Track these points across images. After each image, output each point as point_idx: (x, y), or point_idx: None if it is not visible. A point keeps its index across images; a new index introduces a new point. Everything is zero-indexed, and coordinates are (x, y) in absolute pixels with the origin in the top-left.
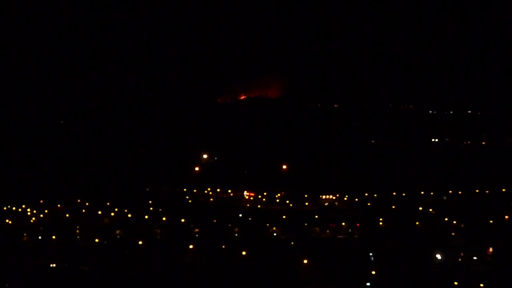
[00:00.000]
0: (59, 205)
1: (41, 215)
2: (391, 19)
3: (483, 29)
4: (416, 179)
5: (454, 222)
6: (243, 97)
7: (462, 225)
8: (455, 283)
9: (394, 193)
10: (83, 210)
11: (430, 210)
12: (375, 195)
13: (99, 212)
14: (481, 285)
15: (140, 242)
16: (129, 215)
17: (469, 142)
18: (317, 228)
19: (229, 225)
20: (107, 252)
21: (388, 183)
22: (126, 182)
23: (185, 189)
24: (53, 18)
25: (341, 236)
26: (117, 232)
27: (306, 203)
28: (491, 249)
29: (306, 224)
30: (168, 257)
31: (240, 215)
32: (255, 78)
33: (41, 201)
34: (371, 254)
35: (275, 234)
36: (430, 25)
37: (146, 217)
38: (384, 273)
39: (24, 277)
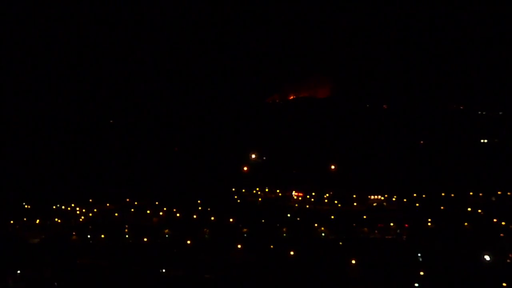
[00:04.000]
0: (108, 204)
1: (90, 214)
2: (441, 21)
3: None
4: (465, 180)
5: (503, 223)
6: (292, 97)
7: (510, 226)
8: (504, 284)
9: (443, 194)
10: (132, 210)
11: (479, 211)
12: (424, 196)
13: (148, 212)
14: None
15: (189, 242)
16: (178, 215)
17: None
18: (365, 229)
19: (278, 225)
20: (155, 251)
21: (437, 183)
22: (175, 181)
23: (233, 189)
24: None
25: (389, 237)
26: (166, 231)
27: (355, 203)
28: None
29: (354, 224)
30: (216, 257)
31: (289, 215)
32: (305, 79)
33: (90, 200)
34: (419, 254)
35: (323, 234)
36: (479, 28)
37: (195, 216)
38: (432, 273)
39: (73, 275)
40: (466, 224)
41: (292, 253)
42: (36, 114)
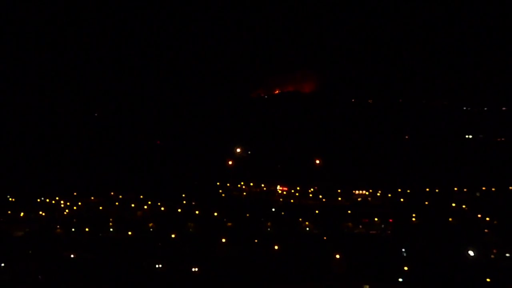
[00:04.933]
0: (92, 198)
1: (75, 208)
2: (424, 18)
3: None
4: (449, 175)
5: (487, 218)
6: (277, 91)
7: (495, 222)
8: (488, 279)
9: (427, 189)
10: (116, 203)
11: (463, 206)
12: (408, 191)
13: (133, 205)
14: None
15: (173, 235)
16: (162, 208)
17: (503, 138)
18: (350, 223)
19: (262, 219)
20: (140, 245)
21: (421, 179)
22: (160, 175)
23: (218, 183)
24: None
25: (373, 232)
26: (150, 225)
27: (339, 198)
28: None
29: (338, 219)
30: (200, 251)
31: (273, 209)
32: (290, 73)
33: (75, 194)
34: (403, 249)
35: (307, 228)
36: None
37: (179, 210)
38: (417, 269)
39: (57, 269)
40: (450, 219)
41: (276, 247)
42: (19, 108)
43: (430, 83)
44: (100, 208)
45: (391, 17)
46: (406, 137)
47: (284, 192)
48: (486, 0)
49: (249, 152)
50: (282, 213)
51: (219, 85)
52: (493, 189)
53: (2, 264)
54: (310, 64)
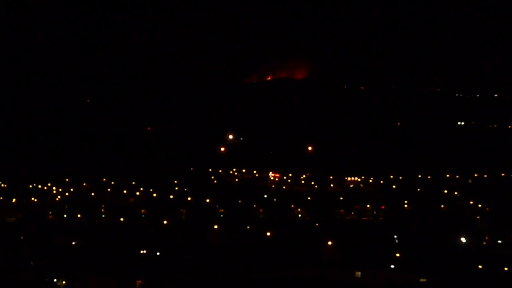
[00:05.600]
0: (84, 184)
1: (67, 194)
2: (418, 5)
3: None
4: (441, 162)
5: (479, 205)
6: (269, 78)
7: (487, 209)
8: (479, 266)
9: (420, 176)
10: (109, 189)
11: (455, 193)
12: (400, 178)
13: (125, 191)
14: (506, 268)
15: (165, 222)
16: (154, 195)
17: (495, 125)
18: (342, 210)
19: (254, 205)
20: (132, 231)
21: (413, 165)
22: (152, 161)
23: (210, 169)
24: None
25: (365, 218)
26: (142, 211)
27: (331, 185)
28: None
29: (331, 205)
30: (192, 237)
31: (265, 196)
32: (282, 60)
33: (67, 180)
34: (395, 236)
35: (300, 215)
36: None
37: (171, 196)
38: (408, 255)
39: (49, 255)
40: (442, 206)
41: (268, 234)
42: (14, 96)
43: (422, 70)
44: (92, 194)
45: (384, 4)
46: (398, 124)
47: (276, 179)
48: None
49: (241, 139)
50: (274, 199)
51: (212, 72)
52: (485, 175)
53: None
54: (302, 51)
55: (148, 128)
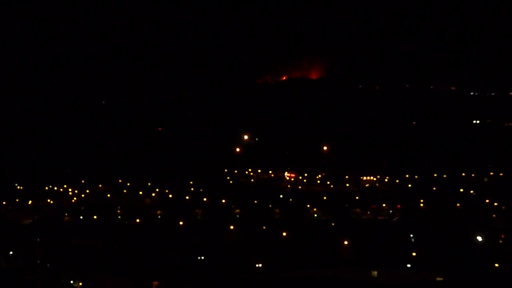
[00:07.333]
0: (100, 185)
1: (83, 195)
2: (431, 4)
3: None
4: (457, 161)
5: (495, 203)
6: (284, 77)
7: (503, 207)
8: (496, 265)
9: (435, 175)
10: (124, 190)
11: (471, 191)
12: (416, 177)
13: (140, 192)
14: None
15: (181, 223)
16: (170, 196)
17: (511, 124)
18: (357, 210)
19: (270, 205)
20: (148, 232)
21: (429, 164)
22: (167, 162)
23: (226, 170)
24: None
25: (381, 218)
26: (158, 212)
27: (347, 184)
28: None
29: (346, 205)
30: (208, 238)
31: (281, 196)
32: (297, 59)
33: (83, 181)
34: (411, 235)
35: (315, 215)
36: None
37: (187, 197)
38: (425, 254)
39: (65, 257)
40: (458, 205)
41: (284, 234)
42: (28, 97)
43: (438, 69)
44: (108, 195)
45: (401, 3)
46: (414, 123)
47: (292, 179)
48: None
49: (256, 139)
50: (290, 199)
51: (227, 72)
52: (501, 174)
53: (11, 252)
54: (317, 50)
55: (159, 129)
